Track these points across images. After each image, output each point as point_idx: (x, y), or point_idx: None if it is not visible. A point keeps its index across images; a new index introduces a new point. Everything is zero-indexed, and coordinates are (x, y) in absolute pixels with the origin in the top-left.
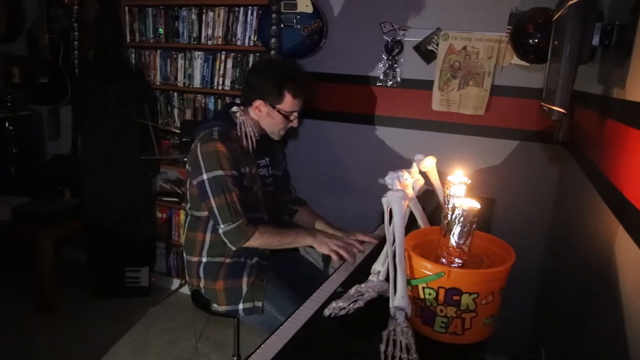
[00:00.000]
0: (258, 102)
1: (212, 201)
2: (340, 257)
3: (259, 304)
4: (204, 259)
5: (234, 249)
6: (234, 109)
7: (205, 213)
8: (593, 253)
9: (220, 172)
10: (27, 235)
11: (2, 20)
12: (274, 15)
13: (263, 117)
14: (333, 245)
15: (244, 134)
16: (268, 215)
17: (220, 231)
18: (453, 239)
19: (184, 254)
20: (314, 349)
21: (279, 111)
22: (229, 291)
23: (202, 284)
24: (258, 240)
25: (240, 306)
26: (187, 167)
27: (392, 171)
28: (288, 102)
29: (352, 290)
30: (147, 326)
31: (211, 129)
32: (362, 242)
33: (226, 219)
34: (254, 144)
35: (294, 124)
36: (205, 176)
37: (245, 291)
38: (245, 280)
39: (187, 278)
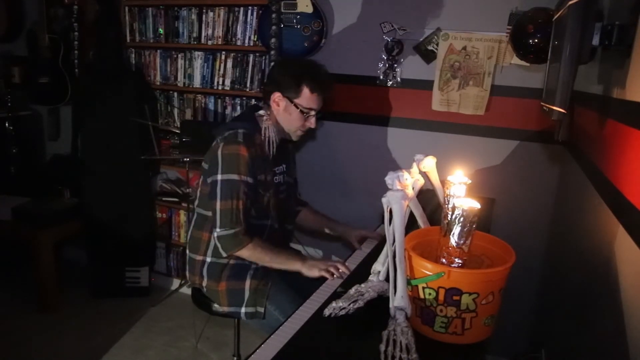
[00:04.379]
0: (276, 95)
1: (218, 203)
2: (332, 274)
3: (261, 309)
4: (209, 259)
5: (224, 254)
6: (261, 112)
7: None
8: (593, 253)
9: (235, 177)
10: (27, 235)
11: (2, 20)
12: (274, 15)
13: (281, 113)
14: (322, 266)
15: (267, 139)
16: (278, 223)
17: (215, 234)
18: (453, 239)
19: (188, 252)
20: (314, 349)
21: (296, 105)
22: (231, 293)
23: (204, 284)
24: (249, 252)
25: (243, 310)
26: (203, 164)
27: (392, 171)
28: (305, 97)
29: (352, 290)
30: (147, 326)
31: (236, 131)
32: (361, 241)
33: (224, 224)
34: (275, 150)
35: (311, 124)
36: (219, 177)
37: (248, 295)
38: (248, 282)
39: (189, 275)
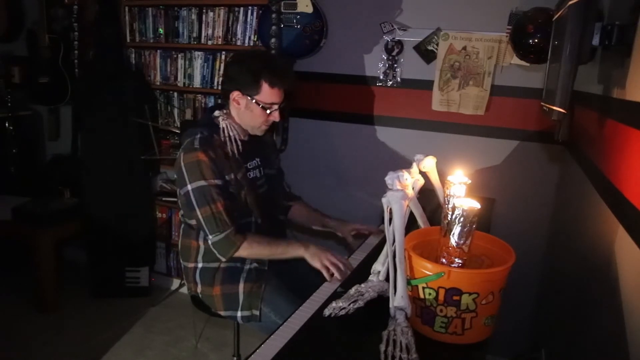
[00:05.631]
0: (235, 94)
1: (198, 212)
2: (332, 274)
3: (256, 312)
4: (200, 265)
5: (223, 259)
6: (216, 113)
7: None
8: (593, 253)
9: (203, 183)
10: (27, 235)
11: (2, 20)
12: (274, 15)
13: (242, 111)
14: (325, 260)
15: (227, 138)
16: (262, 218)
17: (209, 242)
18: (453, 239)
19: (181, 260)
20: (313, 349)
21: (257, 102)
22: (226, 297)
23: (199, 290)
24: (247, 251)
25: (239, 314)
26: (174, 175)
27: (392, 171)
28: (266, 93)
29: (352, 290)
30: (147, 326)
31: (193, 137)
32: (354, 236)
33: (213, 230)
34: (240, 147)
35: (275, 117)
36: (189, 187)
37: (243, 299)
38: (241, 286)
39: (186, 283)
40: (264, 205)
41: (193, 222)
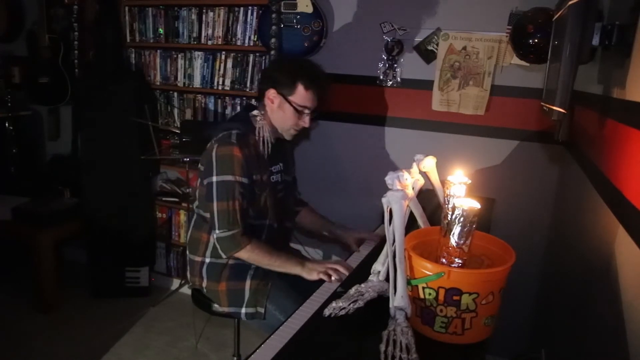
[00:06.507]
0: (271, 92)
1: (215, 205)
2: (330, 276)
3: (261, 309)
4: (208, 260)
5: (224, 256)
6: (255, 112)
7: None
8: (593, 253)
9: (230, 178)
10: (27, 235)
11: (2, 20)
12: (274, 15)
13: (275, 110)
14: (321, 268)
15: (261, 139)
16: (277, 222)
17: (214, 236)
18: (453, 239)
19: (187, 252)
20: (314, 349)
21: (290, 103)
22: (231, 293)
23: (204, 284)
24: (248, 254)
25: (243, 310)
26: (199, 165)
27: (392, 171)
28: (300, 95)
29: (352, 290)
30: (147, 326)
31: (230, 132)
32: (359, 243)
33: (222, 226)
34: (269, 149)
35: (305, 122)
36: (215, 179)
37: (248, 295)
38: (248, 283)
39: (189, 276)
40: (279, 209)
41: (208, 215)
